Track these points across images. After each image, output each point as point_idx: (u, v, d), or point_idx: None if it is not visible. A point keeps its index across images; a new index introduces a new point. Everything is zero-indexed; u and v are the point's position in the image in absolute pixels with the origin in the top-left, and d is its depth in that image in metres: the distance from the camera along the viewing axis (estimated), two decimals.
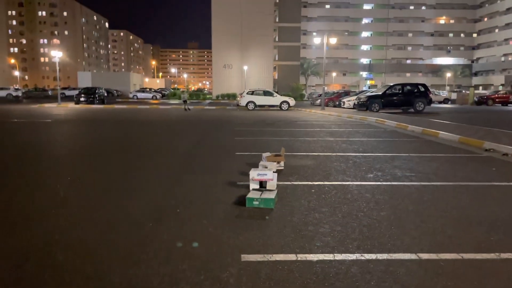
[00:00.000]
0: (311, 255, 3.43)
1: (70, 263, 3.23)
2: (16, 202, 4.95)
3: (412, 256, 3.41)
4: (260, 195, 4.84)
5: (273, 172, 5.37)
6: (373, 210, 4.71)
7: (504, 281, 3.03)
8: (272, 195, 4.83)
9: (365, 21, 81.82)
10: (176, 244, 3.63)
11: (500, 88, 57.09)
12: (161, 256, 3.36)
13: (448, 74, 72.32)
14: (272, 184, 5.28)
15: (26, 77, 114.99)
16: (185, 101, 29.72)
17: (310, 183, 6.00)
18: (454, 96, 47.89)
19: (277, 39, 59.00)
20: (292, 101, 30.15)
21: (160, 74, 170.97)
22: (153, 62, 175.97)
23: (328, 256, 3.40)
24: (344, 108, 29.16)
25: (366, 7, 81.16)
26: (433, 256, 3.42)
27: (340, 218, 4.40)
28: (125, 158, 8.28)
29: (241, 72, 51.69)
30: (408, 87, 24.79)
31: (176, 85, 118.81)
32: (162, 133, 13.28)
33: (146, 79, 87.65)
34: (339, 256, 3.40)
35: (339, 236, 3.88)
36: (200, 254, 3.41)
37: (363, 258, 3.38)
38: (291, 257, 3.39)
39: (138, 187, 5.71)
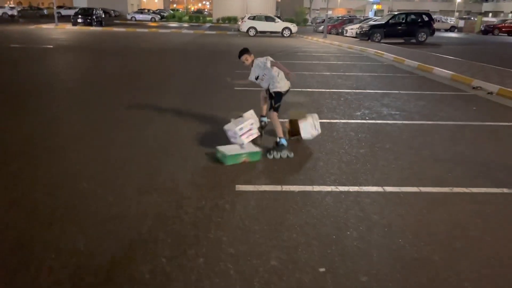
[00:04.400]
0: (294, 186, 4.09)
1: (93, 192, 3.88)
2: (36, 136, 5.54)
3: (379, 189, 4.08)
4: None
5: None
6: (354, 147, 5.33)
7: (451, 211, 3.70)
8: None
9: None
10: (180, 175, 4.28)
11: (510, 16, 55.19)
12: (168, 187, 4.02)
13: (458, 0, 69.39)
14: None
15: None
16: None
17: None
18: (461, 23, 46.68)
19: None
20: (294, 28, 29.71)
21: None
22: None
23: (308, 188, 4.06)
24: (346, 36, 28.80)
25: None
26: (396, 189, 4.09)
27: (323, 155, 5.03)
28: (131, 91, 8.74)
29: None
30: (412, 16, 24.35)
31: (175, 5, 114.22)
32: (163, 63, 13.54)
33: None
34: (317, 188, 4.07)
35: (320, 170, 4.53)
36: (202, 185, 4.07)
37: (337, 190, 4.04)
38: (277, 188, 4.05)
39: (143, 122, 6.27)
